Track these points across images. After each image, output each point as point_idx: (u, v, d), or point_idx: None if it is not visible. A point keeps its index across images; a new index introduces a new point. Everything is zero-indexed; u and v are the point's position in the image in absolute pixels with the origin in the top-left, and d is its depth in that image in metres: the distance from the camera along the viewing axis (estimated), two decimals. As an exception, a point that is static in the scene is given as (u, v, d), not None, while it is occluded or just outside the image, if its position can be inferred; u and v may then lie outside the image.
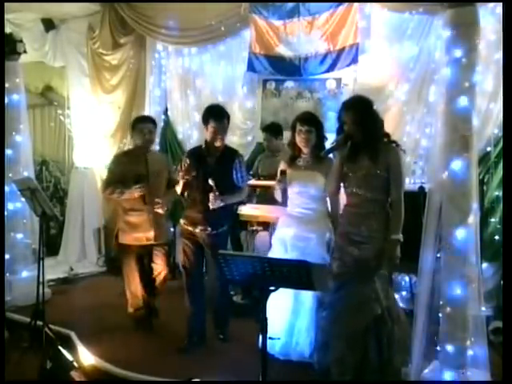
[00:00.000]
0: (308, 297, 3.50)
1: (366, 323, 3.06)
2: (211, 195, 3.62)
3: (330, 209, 3.59)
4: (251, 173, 5.10)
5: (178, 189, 3.88)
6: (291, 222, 3.63)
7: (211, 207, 3.66)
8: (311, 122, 3.61)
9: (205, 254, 3.91)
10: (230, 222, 3.97)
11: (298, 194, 3.61)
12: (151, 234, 4.12)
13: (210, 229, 3.79)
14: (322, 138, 3.63)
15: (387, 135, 3.19)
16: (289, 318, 3.54)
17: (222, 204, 3.67)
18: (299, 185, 3.59)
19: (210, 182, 3.61)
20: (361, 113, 3.11)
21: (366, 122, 3.09)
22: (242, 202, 4.36)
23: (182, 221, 3.94)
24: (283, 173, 3.58)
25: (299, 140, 3.60)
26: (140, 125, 4.14)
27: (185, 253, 3.90)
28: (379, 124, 3.18)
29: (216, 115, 3.78)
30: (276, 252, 3.61)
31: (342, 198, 3.35)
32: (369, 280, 3.06)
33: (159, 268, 4.21)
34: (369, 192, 3.11)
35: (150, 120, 4.29)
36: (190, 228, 3.85)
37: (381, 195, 3.11)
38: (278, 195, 3.70)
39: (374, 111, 3.19)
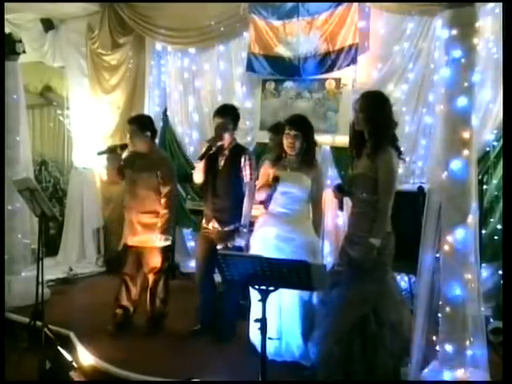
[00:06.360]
0: (294, 299, 3.47)
1: (352, 321, 3.09)
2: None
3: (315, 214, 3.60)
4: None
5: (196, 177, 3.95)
6: (273, 221, 3.58)
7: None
8: (299, 126, 3.53)
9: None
10: (240, 219, 3.96)
11: (282, 195, 3.56)
12: (138, 235, 4.11)
13: (219, 226, 3.91)
14: (310, 143, 3.55)
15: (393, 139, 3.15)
16: (277, 320, 3.52)
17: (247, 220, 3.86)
18: (284, 185, 3.54)
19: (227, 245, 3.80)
20: (371, 105, 3.10)
21: (374, 116, 3.07)
22: None
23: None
24: (276, 179, 3.54)
25: (286, 144, 3.54)
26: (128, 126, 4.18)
27: (198, 247, 4.05)
28: (387, 123, 3.11)
29: (218, 112, 3.90)
30: (256, 252, 3.48)
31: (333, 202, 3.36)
32: (360, 280, 3.07)
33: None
34: (362, 192, 3.14)
35: (132, 121, 4.20)
36: (204, 224, 4.00)
37: (373, 196, 3.11)
38: (261, 197, 3.69)
39: (387, 109, 3.13)
